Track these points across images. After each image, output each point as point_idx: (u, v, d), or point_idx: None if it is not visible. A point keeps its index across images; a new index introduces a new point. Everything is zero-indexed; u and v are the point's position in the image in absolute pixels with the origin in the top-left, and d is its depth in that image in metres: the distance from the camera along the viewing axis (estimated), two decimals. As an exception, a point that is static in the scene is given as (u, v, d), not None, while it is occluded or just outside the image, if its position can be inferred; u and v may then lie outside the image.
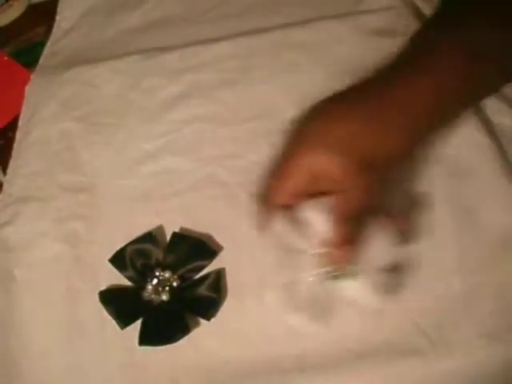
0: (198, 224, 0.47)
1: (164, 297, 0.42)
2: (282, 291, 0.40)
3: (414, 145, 0.41)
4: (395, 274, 0.40)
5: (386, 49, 0.53)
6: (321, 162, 0.37)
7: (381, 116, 0.38)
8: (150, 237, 0.45)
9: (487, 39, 0.39)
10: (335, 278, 0.40)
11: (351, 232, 0.38)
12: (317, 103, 0.41)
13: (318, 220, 0.40)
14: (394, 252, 0.40)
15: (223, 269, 0.44)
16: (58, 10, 0.69)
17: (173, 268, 0.44)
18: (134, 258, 0.44)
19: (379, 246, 0.40)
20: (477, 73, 0.40)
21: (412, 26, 0.55)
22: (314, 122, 0.39)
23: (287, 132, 0.41)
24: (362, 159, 0.37)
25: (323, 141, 0.38)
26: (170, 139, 0.53)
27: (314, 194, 0.40)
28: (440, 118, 0.41)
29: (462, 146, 0.47)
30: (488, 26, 0.39)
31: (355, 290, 0.40)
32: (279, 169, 0.40)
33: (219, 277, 0.43)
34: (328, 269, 0.39)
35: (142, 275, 0.44)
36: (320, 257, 0.39)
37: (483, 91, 0.44)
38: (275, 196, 0.40)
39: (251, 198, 0.44)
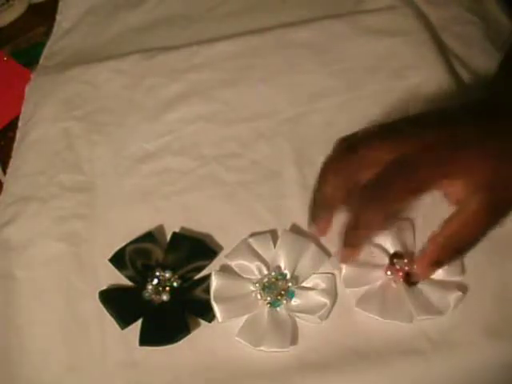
0: (198, 224, 0.47)
1: (164, 297, 0.42)
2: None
3: None
4: (325, 296, 0.41)
5: (386, 49, 0.54)
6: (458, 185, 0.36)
7: None
8: (150, 236, 0.45)
9: None
10: (274, 304, 0.41)
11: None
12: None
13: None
14: (325, 277, 0.42)
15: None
16: (59, 9, 0.69)
17: (173, 268, 0.43)
18: (134, 257, 0.44)
19: (309, 269, 0.42)
20: None
21: (412, 25, 0.55)
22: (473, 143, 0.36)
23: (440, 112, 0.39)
24: (501, 197, 0.36)
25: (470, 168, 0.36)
26: (171, 139, 0.53)
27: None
28: None
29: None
30: None
31: (296, 310, 0.41)
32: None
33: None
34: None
35: (142, 275, 0.44)
36: None
37: None
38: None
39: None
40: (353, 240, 0.39)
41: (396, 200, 0.36)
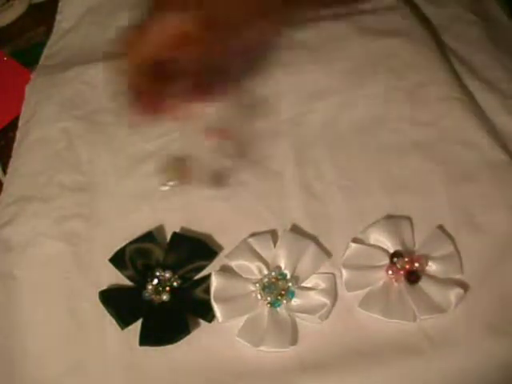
0: (198, 224, 0.47)
1: (164, 297, 0.42)
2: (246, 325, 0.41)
3: (261, 16, 0.43)
4: (325, 296, 0.41)
5: (386, 49, 0.54)
6: (176, 21, 0.40)
7: None
8: (150, 236, 0.45)
9: None
10: (274, 304, 0.41)
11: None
12: None
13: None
14: (325, 277, 0.42)
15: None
16: (59, 9, 0.68)
17: (173, 268, 0.43)
18: (134, 257, 0.44)
19: (309, 269, 0.42)
20: None
21: (412, 25, 0.55)
22: None
23: None
24: (209, 17, 0.40)
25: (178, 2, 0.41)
26: (171, 138, 0.53)
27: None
28: None
29: (461, 146, 0.47)
30: None
31: (296, 310, 0.41)
32: (141, 28, 0.43)
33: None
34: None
35: (142, 275, 0.44)
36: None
37: None
38: (138, 50, 0.42)
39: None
40: None
41: None
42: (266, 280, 0.41)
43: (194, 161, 0.47)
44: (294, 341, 0.40)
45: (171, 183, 0.45)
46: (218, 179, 0.45)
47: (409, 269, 0.40)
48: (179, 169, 0.45)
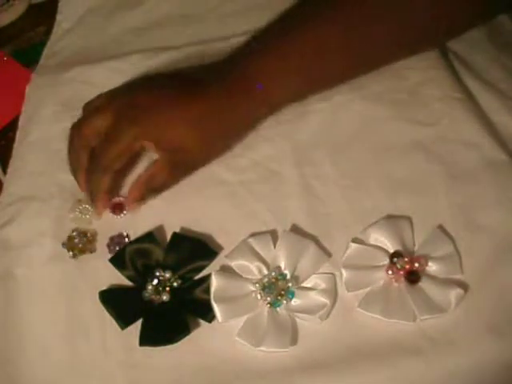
0: (198, 224, 0.47)
1: (164, 297, 0.42)
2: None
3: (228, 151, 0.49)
4: (325, 296, 0.41)
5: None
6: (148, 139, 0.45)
7: (218, 129, 0.47)
8: (150, 237, 0.45)
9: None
10: (274, 304, 0.41)
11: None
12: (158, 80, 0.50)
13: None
14: (325, 277, 0.42)
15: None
16: (59, 9, 0.69)
17: (173, 268, 0.43)
18: (135, 257, 0.44)
19: (309, 269, 0.42)
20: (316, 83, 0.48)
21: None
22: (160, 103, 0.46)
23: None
24: (182, 158, 0.46)
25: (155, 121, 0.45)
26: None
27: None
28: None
29: (461, 146, 0.47)
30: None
31: (296, 310, 0.41)
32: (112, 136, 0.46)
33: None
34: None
35: (142, 275, 0.44)
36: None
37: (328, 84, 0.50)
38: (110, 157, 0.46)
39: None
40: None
41: (112, 160, 0.45)
42: (265, 280, 0.41)
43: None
44: (293, 341, 0.40)
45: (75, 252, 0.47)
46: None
47: (409, 269, 0.40)
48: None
